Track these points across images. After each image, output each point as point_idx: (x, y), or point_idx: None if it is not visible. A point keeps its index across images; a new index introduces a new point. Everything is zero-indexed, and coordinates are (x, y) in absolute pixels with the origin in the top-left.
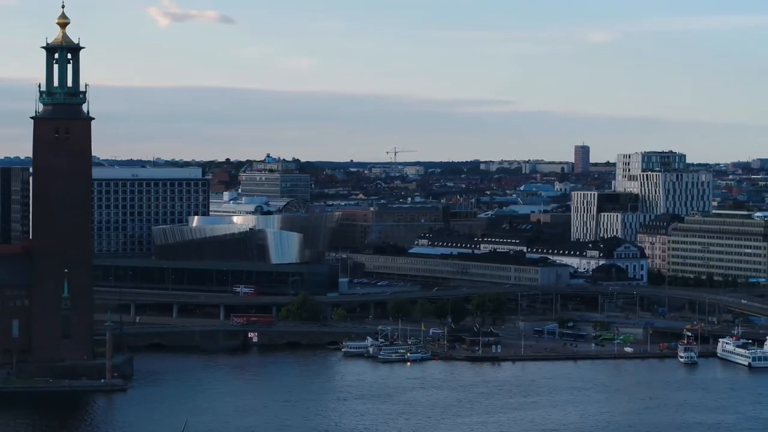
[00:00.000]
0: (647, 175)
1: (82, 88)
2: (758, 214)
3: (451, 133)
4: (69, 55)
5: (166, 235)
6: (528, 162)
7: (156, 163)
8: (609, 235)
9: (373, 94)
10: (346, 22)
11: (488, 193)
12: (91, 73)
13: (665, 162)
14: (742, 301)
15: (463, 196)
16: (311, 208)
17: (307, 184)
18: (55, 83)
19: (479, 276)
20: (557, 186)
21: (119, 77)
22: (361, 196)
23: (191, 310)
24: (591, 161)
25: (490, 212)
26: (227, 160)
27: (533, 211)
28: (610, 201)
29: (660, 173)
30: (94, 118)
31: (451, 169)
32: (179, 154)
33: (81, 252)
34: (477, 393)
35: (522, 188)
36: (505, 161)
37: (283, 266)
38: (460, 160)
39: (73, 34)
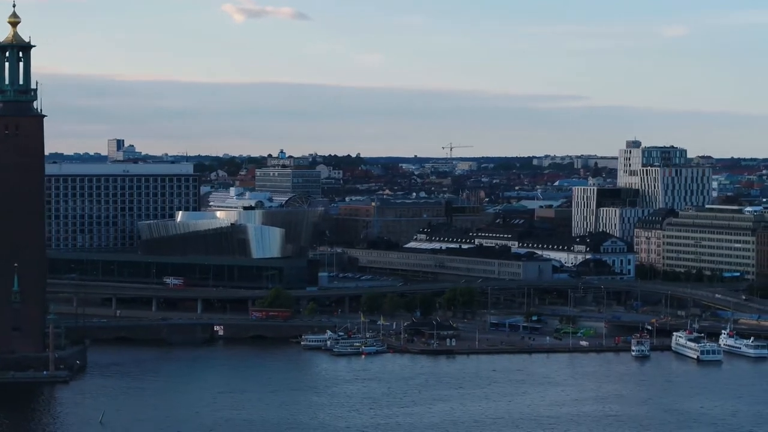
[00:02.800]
0: (647, 170)
1: (33, 86)
2: (748, 209)
3: (516, 129)
4: (20, 54)
5: (152, 230)
6: (580, 157)
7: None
8: (609, 230)
9: (444, 90)
10: (419, 17)
11: (517, 188)
12: (165, 68)
13: (666, 157)
14: (716, 295)
15: (474, 192)
16: (314, 203)
17: (318, 180)
18: (6, 81)
19: (465, 270)
20: (591, 181)
21: (194, 73)
22: (387, 191)
23: (173, 304)
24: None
25: (498, 207)
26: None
27: (541, 206)
28: (611, 196)
29: (659, 168)
30: (46, 116)
31: (504, 164)
32: (253, 150)
33: (32, 247)
34: (412, 385)
35: (556, 183)
36: (558, 156)
37: (263, 261)
38: (514, 155)
39: (24, 32)
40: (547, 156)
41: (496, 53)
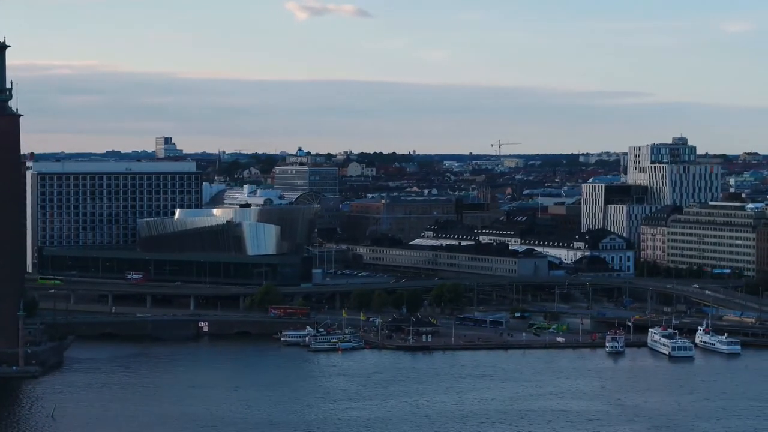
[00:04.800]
0: (655, 167)
1: (8, 85)
2: (750, 205)
3: (574, 126)
4: None
5: (150, 227)
6: (626, 154)
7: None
8: (617, 227)
9: (506, 86)
10: (481, 13)
11: (547, 185)
12: (228, 66)
13: (674, 154)
14: (706, 292)
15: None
16: (324, 200)
17: (336, 177)
18: None
19: (464, 267)
20: (623, 178)
21: (257, 71)
22: (415, 188)
23: (169, 301)
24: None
25: (513, 205)
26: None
27: (555, 204)
28: (619, 193)
29: (667, 165)
30: (22, 115)
31: (551, 161)
32: (315, 147)
33: (8, 244)
34: (375, 380)
35: (591, 180)
36: (605, 153)
37: (258, 258)
38: (568, 152)
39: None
40: (592, 153)
41: (558, 49)
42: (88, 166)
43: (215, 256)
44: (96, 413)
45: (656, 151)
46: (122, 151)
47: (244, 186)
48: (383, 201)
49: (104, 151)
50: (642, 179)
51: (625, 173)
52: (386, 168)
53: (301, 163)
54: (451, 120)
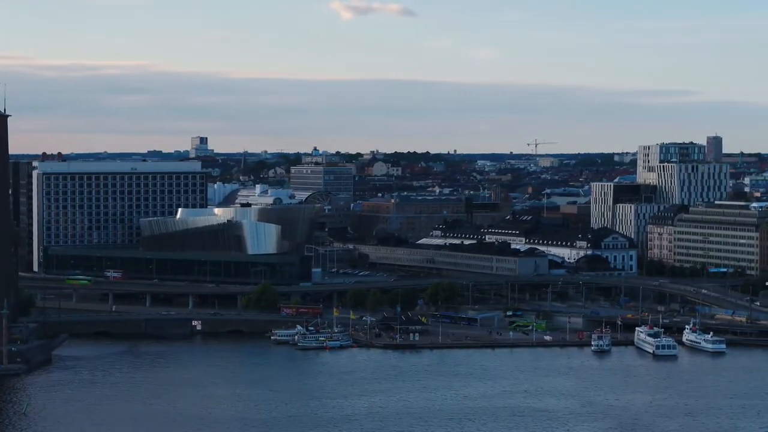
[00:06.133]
0: (664, 166)
1: None
2: (754, 204)
3: (620, 124)
4: None
5: (152, 227)
6: None
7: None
8: (625, 226)
9: (550, 85)
10: (528, 12)
11: (571, 184)
12: (274, 66)
13: (683, 153)
14: (702, 291)
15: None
16: (335, 200)
17: (350, 177)
18: None
19: (465, 266)
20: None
21: (302, 70)
22: (435, 187)
23: (169, 300)
24: (724, 152)
25: (525, 204)
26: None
27: (568, 203)
28: (628, 192)
29: (675, 164)
30: (10, 115)
31: (586, 160)
32: (361, 146)
33: None
34: (352, 378)
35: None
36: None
37: (258, 257)
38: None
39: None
40: (629, 153)
41: (606, 48)
42: (93, 166)
43: (215, 255)
44: (70, 410)
45: (665, 150)
46: (164, 151)
47: (257, 186)
48: (392, 201)
49: (146, 151)
50: (651, 178)
51: None
52: (412, 168)
53: (317, 163)
54: (495, 119)
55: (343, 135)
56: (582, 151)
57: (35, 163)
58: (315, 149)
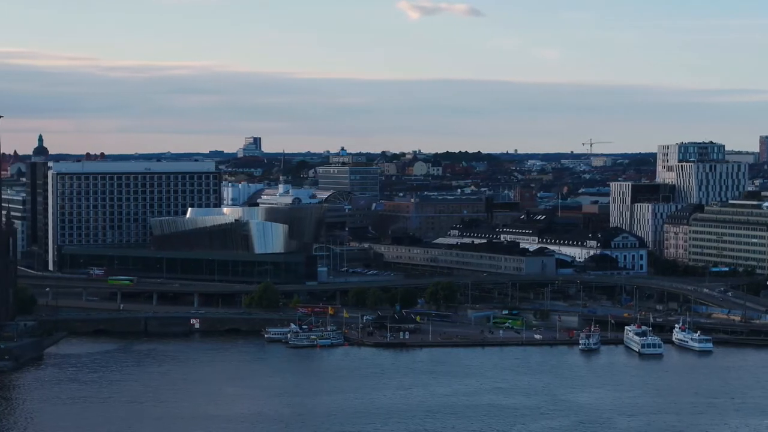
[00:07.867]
0: (682, 165)
1: None
2: (766, 204)
3: (687, 122)
4: None
5: (162, 226)
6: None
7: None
8: (642, 225)
9: (615, 84)
10: (593, 12)
11: (607, 183)
12: (342, 66)
13: (702, 152)
14: (704, 290)
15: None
16: (355, 200)
17: (376, 176)
18: None
19: (474, 266)
20: None
21: (369, 70)
22: (473, 186)
23: (175, 297)
24: None
25: (550, 203)
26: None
27: (591, 202)
28: (647, 192)
29: (694, 164)
30: (2, 116)
31: (637, 159)
32: (427, 146)
33: None
34: (333, 376)
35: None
36: None
37: (264, 256)
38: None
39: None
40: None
41: (672, 47)
42: (107, 166)
43: (223, 254)
44: (49, 407)
45: (684, 149)
46: (226, 151)
47: (279, 185)
48: (412, 200)
49: (208, 151)
50: (670, 178)
51: None
52: (453, 167)
53: (343, 163)
54: (558, 118)
55: (406, 134)
56: (637, 151)
57: (50, 164)
58: (342, 149)
